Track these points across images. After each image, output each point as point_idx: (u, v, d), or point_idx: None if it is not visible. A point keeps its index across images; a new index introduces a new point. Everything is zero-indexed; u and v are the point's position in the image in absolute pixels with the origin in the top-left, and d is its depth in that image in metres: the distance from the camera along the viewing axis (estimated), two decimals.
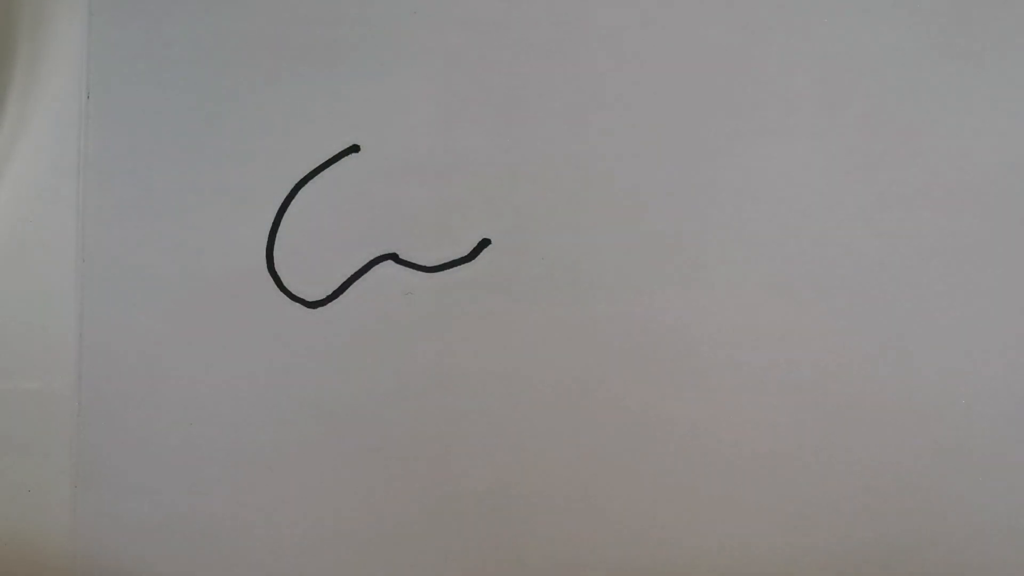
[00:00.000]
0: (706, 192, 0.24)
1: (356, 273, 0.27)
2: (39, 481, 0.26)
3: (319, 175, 0.27)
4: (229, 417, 0.27)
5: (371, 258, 0.27)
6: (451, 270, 0.27)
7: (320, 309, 0.27)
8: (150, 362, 0.27)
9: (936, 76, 0.25)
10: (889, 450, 0.26)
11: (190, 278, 0.27)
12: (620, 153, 0.27)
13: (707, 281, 0.27)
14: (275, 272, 0.27)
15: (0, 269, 0.27)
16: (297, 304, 0.27)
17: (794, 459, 0.27)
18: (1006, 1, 0.25)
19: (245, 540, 0.26)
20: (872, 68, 0.25)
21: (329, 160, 0.27)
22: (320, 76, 0.28)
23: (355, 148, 0.27)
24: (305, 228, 0.27)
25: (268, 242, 0.27)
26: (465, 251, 0.27)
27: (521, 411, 0.27)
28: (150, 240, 0.27)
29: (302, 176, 0.27)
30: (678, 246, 0.27)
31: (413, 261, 0.27)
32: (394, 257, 0.27)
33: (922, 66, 0.25)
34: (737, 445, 0.27)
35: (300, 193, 0.27)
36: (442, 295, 0.27)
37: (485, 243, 0.27)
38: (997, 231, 0.25)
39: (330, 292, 0.27)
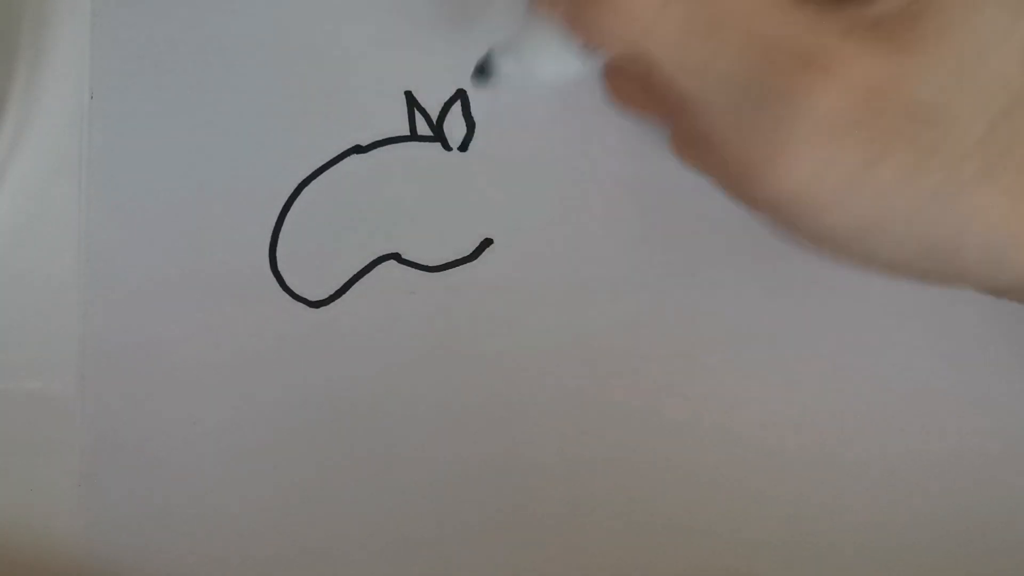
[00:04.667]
0: (709, 194, 0.24)
1: (358, 273, 0.27)
2: (43, 481, 0.26)
3: (322, 175, 0.27)
4: (231, 416, 0.27)
5: (373, 258, 0.27)
6: (453, 269, 0.27)
7: (322, 308, 0.27)
8: (152, 361, 0.27)
9: None
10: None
11: (192, 277, 0.27)
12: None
13: (708, 280, 0.27)
14: (278, 272, 0.27)
15: (2, 268, 0.27)
16: (300, 303, 0.27)
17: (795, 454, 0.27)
18: None
19: (250, 538, 0.26)
20: None
21: (332, 160, 0.27)
22: (323, 75, 0.28)
23: (358, 148, 0.27)
24: (307, 228, 0.27)
25: (271, 242, 0.27)
26: (468, 251, 0.27)
27: (526, 411, 0.27)
28: (152, 240, 0.27)
29: (305, 176, 0.27)
30: (678, 245, 0.27)
31: (415, 261, 0.27)
32: (396, 257, 0.27)
33: None
34: (737, 447, 0.27)
35: (303, 193, 0.27)
36: (445, 294, 0.27)
37: (487, 243, 0.27)
38: None
39: (332, 292, 0.27)
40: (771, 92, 0.18)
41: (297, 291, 0.27)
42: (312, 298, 0.27)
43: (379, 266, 0.27)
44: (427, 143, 0.27)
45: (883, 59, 0.17)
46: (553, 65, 0.22)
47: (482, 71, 0.24)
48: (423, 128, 0.28)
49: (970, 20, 0.17)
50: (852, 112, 0.17)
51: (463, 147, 0.27)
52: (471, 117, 0.28)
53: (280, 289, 0.27)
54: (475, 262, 0.27)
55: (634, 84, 0.24)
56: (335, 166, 0.27)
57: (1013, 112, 0.18)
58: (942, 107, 0.17)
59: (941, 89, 0.17)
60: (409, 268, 0.27)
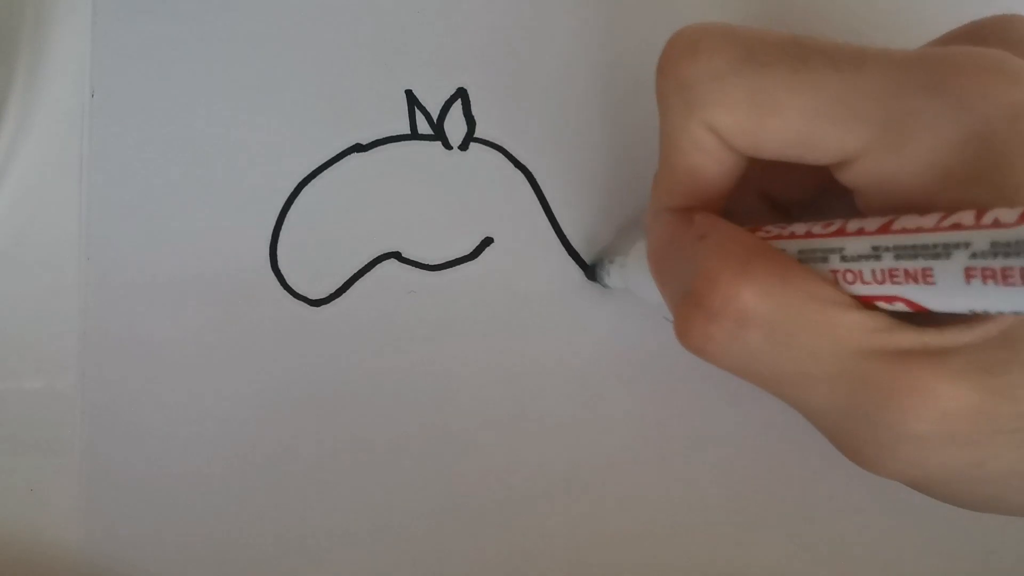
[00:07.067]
0: None
1: (359, 272, 0.27)
2: (44, 481, 0.26)
3: (322, 174, 0.27)
4: (232, 415, 0.27)
5: (374, 257, 0.27)
6: (454, 268, 0.27)
7: (323, 307, 0.27)
8: (153, 361, 0.27)
9: None
10: None
11: (193, 277, 0.27)
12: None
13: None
14: (278, 270, 0.27)
15: (2, 268, 0.27)
16: (300, 302, 0.27)
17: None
18: None
19: (250, 537, 0.26)
20: None
21: (332, 159, 0.27)
22: (323, 75, 0.28)
23: (359, 147, 0.28)
24: (308, 227, 0.27)
25: (271, 241, 0.27)
26: (468, 250, 0.27)
27: (526, 409, 0.27)
28: (153, 239, 0.27)
29: (305, 175, 0.27)
30: None
31: (416, 259, 0.27)
32: (397, 256, 0.27)
33: None
34: (739, 451, 0.27)
35: (303, 192, 0.27)
36: (445, 293, 0.27)
37: (488, 242, 0.27)
38: None
39: (333, 291, 0.27)
40: (867, 418, 0.17)
41: (298, 290, 0.27)
42: (312, 297, 0.27)
43: (379, 265, 0.27)
44: (428, 142, 0.28)
45: (979, 384, 0.16)
46: (655, 295, 0.21)
47: (592, 273, 0.26)
48: (424, 127, 0.28)
49: None
50: (951, 430, 0.17)
51: (464, 146, 0.28)
52: (471, 116, 0.28)
53: (281, 288, 0.27)
54: (475, 261, 0.27)
55: None
56: (336, 165, 0.27)
57: None
58: None
59: None
60: (409, 267, 0.27)
